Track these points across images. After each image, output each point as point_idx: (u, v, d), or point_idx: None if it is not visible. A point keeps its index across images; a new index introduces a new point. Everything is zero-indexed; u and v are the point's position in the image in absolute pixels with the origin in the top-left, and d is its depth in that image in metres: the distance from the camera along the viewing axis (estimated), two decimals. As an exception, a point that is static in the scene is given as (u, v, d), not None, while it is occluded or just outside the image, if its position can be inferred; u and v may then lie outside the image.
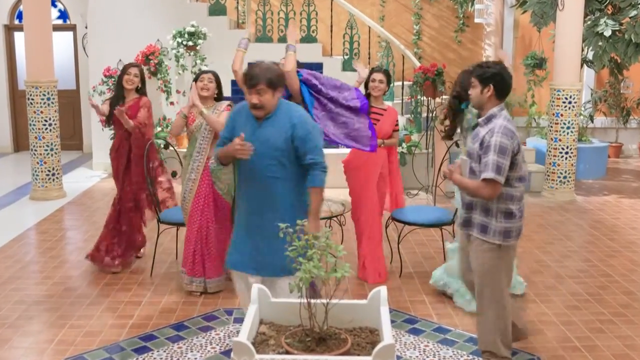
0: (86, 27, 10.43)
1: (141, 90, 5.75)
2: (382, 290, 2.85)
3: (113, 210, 5.79)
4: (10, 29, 11.75)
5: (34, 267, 5.86)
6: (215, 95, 5.22)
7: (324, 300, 2.75)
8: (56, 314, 4.86)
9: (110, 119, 5.76)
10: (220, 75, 5.27)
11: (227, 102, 5.22)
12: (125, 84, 5.64)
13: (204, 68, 9.03)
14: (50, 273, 5.71)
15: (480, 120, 3.76)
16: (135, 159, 5.68)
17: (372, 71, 5.53)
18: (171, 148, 7.82)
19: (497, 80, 3.69)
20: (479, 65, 3.81)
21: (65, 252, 6.31)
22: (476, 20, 11.11)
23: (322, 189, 3.70)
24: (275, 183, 3.69)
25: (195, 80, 5.19)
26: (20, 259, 6.06)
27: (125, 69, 5.68)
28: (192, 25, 9.34)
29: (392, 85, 5.23)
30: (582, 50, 8.81)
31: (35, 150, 8.27)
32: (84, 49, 11.31)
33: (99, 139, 9.71)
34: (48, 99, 8.20)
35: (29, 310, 4.91)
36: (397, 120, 5.66)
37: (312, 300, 2.72)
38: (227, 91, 9.37)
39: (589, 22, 8.98)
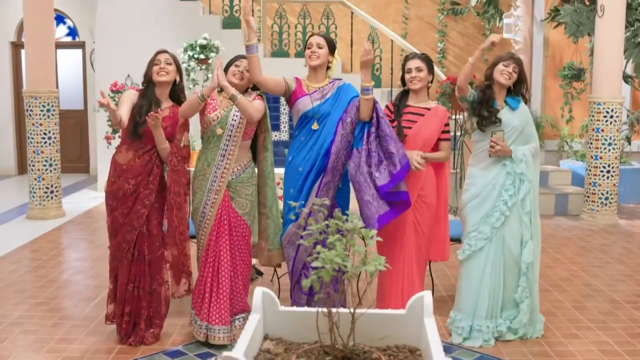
0: (94, 42, 9.95)
1: (177, 92, 4.06)
2: (426, 296, 2.15)
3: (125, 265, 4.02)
4: (17, 46, 11.30)
5: (18, 287, 5.19)
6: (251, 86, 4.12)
7: (350, 309, 2.07)
8: (33, 336, 4.18)
9: (137, 130, 3.89)
10: None
11: (256, 92, 4.11)
12: (156, 76, 3.91)
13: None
14: (35, 293, 5.05)
15: None
16: (175, 202, 3.94)
17: (405, 59, 4.22)
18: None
19: None
20: None
21: (55, 272, 5.64)
22: (505, 35, 10.46)
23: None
24: None
25: (230, 64, 4.03)
26: (4, 278, 5.40)
27: (152, 59, 3.97)
28: (205, 38, 8.84)
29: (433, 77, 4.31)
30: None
31: (33, 165, 7.66)
32: (92, 65, 10.82)
33: (105, 160, 9.07)
34: (48, 110, 7.62)
35: (3, 333, 4.23)
36: (448, 124, 4.24)
37: (334, 309, 2.04)
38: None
39: (628, 34, 8.34)
